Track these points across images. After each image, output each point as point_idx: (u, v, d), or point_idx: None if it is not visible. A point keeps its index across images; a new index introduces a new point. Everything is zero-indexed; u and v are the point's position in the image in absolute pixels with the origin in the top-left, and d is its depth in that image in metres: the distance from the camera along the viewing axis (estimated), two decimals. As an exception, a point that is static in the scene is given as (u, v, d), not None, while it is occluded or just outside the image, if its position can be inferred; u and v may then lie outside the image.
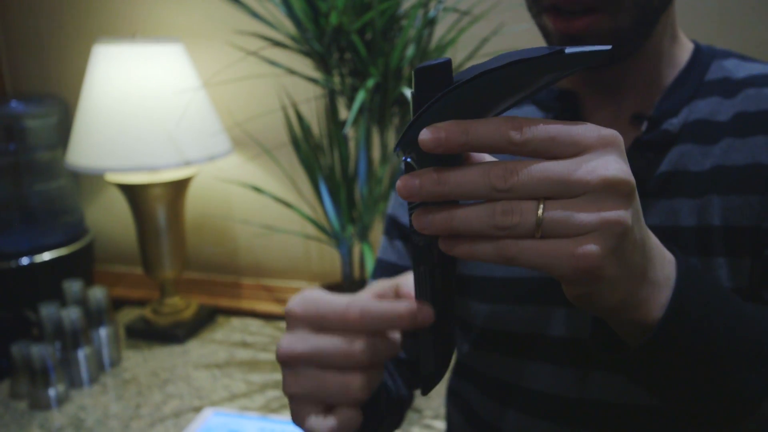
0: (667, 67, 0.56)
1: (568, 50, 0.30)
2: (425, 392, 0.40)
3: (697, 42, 0.58)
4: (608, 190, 0.31)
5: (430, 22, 1.04)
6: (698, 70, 0.56)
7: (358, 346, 0.37)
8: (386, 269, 0.69)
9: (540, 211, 0.30)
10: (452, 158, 0.33)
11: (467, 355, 0.64)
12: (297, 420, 0.41)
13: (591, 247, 0.30)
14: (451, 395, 0.70)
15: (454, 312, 0.39)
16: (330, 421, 0.39)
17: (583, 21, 0.49)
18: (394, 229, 0.70)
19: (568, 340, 0.56)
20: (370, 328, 0.38)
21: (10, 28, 1.61)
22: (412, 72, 0.32)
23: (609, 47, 0.31)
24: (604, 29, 0.49)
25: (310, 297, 0.40)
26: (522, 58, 0.30)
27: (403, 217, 0.70)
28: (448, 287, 0.38)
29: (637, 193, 0.33)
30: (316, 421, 0.39)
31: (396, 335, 0.40)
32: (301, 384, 0.39)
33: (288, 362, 0.40)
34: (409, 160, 0.33)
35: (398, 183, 0.32)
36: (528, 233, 0.31)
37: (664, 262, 0.37)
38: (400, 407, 0.69)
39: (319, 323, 0.39)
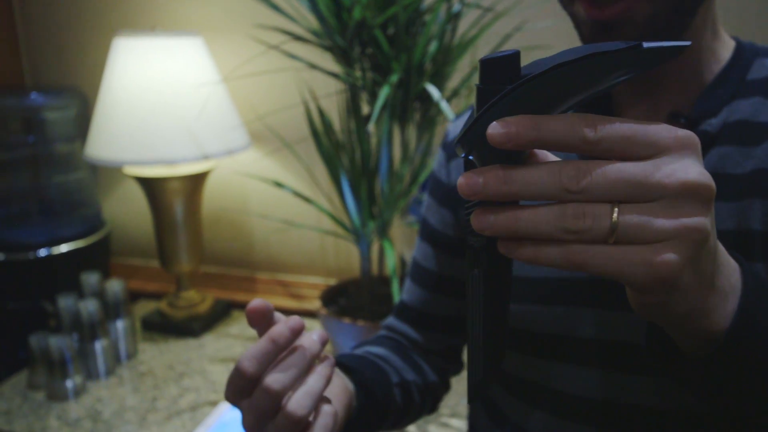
0: (707, 64, 0.54)
1: (646, 44, 0.28)
2: (471, 400, 0.39)
3: (739, 39, 0.57)
4: (688, 195, 0.29)
5: (454, 17, 1.03)
6: (740, 68, 0.54)
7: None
8: (417, 269, 0.73)
9: (615, 216, 0.29)
10: (516, 156, 0.31)
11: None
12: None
13: (670, 256, 0.29)
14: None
15: (508, 319, 0.38)
16: None
17: (617, 7, 0.47)
18: (424, 230, 0.70)
19: (595, 342, 0.55)
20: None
21: (30, 20, 1.61)
22: (479, 62, 0.30)
23: (688, 42, 0.29)
24: (640, 17, 0.48)
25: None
26: (597, 51, 0.28)
27: (432, 218, 0.70)
28: (503, 292, 0.36)
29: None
30: None
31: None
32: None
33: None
34: (471, 157, 0.32)
35: (460, 180, 0.30)
36: (601, 238, 0.29)
37: (731, 270, 0.35)
38: (432, 394, 0.71)
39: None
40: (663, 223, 0.29)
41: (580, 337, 0.56)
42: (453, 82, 1.14)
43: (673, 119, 0.54)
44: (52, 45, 1.61)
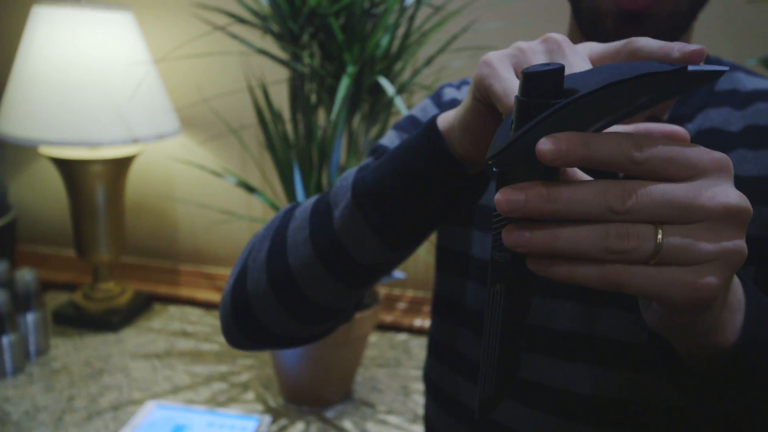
0: None
1: (691, 68, 0.29)
2: (480, 416, 0.38)
3: (707, 52, 0.60)
4: (728, 219, 0.29)
5: (411, 8, 1.02)
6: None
7: None
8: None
9: (659, 237, 0.28)
10: (552, 172, 0.30)
11: (461, 336, 0.63)
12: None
13: (711, 279, 0.29)
14: (430, 387, 0.68)
15: (524, 336, 0.37)
16: None
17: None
18: (412, 126, 0.64)
19: (570, 334, 0.56)
20: None
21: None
22: (522, 74, 0.29)
23: (727, 68, 0.30)
24: (665, 12, 0.49)
25: None
26: (649, 71, 0.28)
27: (390, 145, 0.63)
28: (523, 309, 0.35)
29: None
30: None
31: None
32: None
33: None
34: (505, 172, 0.30)
35: (498, 197, 0.29)
36: (643, 259, 0.29)
37: (737, 285, 0.37)
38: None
39: None
40: (705, 246, 0.29)
41: (554, 328, 0.57)
42: (402, 78, 1.13)
43: (652, 122, 0.55)
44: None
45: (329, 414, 1.09)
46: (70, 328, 1.32)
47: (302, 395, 1.10)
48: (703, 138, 0.55)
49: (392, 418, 1.09)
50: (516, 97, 0.30)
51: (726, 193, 0.29)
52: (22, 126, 1.17)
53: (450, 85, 0.67)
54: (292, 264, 0.51)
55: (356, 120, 1.07)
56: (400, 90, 1.08)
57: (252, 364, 1.23)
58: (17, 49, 1.44)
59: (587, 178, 0.32)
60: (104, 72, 1.18)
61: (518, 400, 0.58)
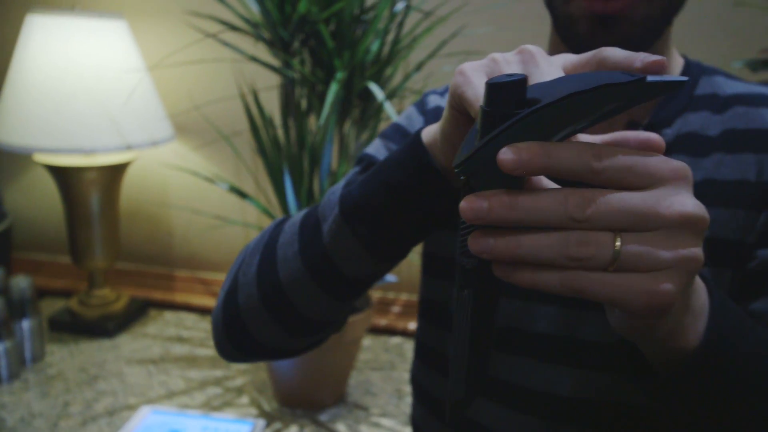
0: None
1: (650, 78, 0.29)
2: (450, 420, 0.39)
3: (687, 57, 0.61)
4: (685, 227, 0.30)
5: (400, 15, 1.03)
6: (689, 84, 0.58)
7: None
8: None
9: (618, 244, 0.29)
10: (516, 180, 0.31)
11: (446, 340, 0.63)
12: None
13: (668, 285, 0.30)
14: (417, 389, 0.69)
15: (492, 340, 0.38)
16: None
17: (622, 2, 0.49)
18: (397, 134, 0.64)
19: (550, 337, 0.57)
20: None
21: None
22: (485, 85, 0.30)
23: (686, 78, 0.30)
24: (638, 16, 0.50)
25: None
26: (609, 82, 0.29)
27: (377, 154, 0.64)
28: (490, 313, 0.36)
29: None
30: None
31: None
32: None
33: None
34: (470, 179, 0.31)
35: (463, 204, 0.30)
36: (602, 266, 0.29)
37: (701, 290, 0.37)
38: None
39: None
40: (663, 253, 0.30)
41: (535, 331, 0.57)
42: (392, 83, 1.14)
43: (632, 128, 0.56)
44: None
45: (323, 417, 1.10)
46: (66, 335, 1.33)
47: (296, 399, 1.11)
48: (681, 142, 0.56)
49: (386, 421, 1.09)
50: (480, 106, 0.31)
51: (683, 202, 0.30)
52: (16, 133, 1.18)
53: (435, 92, 0.68)
54: (283, 278, 0.52)
55: (347, 125, 1.08)
56: (391, 95, 1.09)
57: (246, 369, 1.24)
58: (12, 57, 1.45)
59: (553, 185, 0.33)
60: (98, 79, 1.19)
61: (501, 403, 0.59)
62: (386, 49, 1.04)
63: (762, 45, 1.15)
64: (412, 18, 1.21)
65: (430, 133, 0.46)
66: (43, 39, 1.18)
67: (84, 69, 1.18)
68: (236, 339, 0.56)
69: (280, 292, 0.52)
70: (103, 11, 1.38)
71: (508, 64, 0.38)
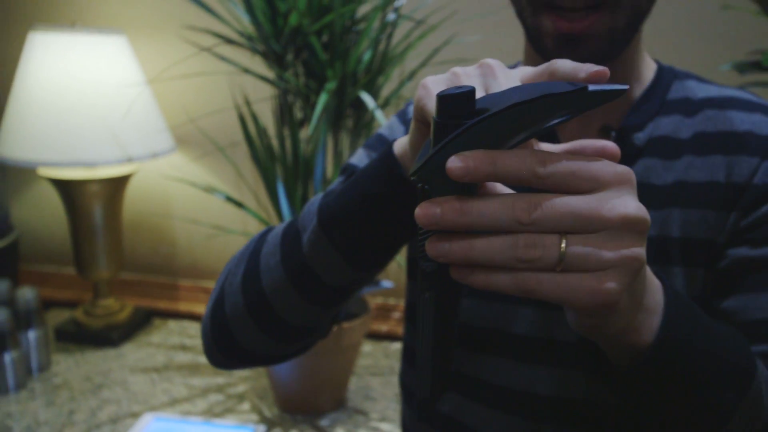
0: (635, 83, 0.59)
1: (591, 88, 0.31)
2: (420, 416, 0.40)
3: (659, 62, 0.62)
4: (627, 228, 0.32)
5: (390, 25, 1.05)
6: (662, 88, 0.59)
7: None
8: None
9: (563, 246, 0.31)
10: (470, 186, 0.32)
11: None
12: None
13: (611, 284, 0.31)
14: (406, 392, 0.70)
15: (455, 340, 0.39)
16: None
17: (586, 21, 0.51)
18: (380, 144, 0.66)
19: (530, 338, 0.58)
20: None
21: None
22: (436, 98, 0.32)
23: (626, 87, 0.32)
24: (603, 29, 0.51)
25: None
26: (550, 92, 0.30)
27: (360, 163, 0.66)
28: (452, 314, 0.38)
29: None
30: None
31: None
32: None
33: None
34: (426, 187, 0.33)
35: (417, 210, 0.31)
36: (549, 267, 0.31)
37: (655, 288, 0.39)
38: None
39: None
40: (606, 253, 0.31)
41: (515, 333, 0.59)
42: (384, 92, 1.16)
43: (605, 132, 0.58)
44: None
45: (323, 422, 1.11)
46: (71, 345, 1.35)
47: (296, 404, 1.12)
48: (653, 146, 0.57)
49: (385, 426, 1.11)
50: (432, 117, 0.32)
51: (625, 204, 0.32)
52: (21, 148, 1.20)
53: None
54: (266, 287, 0.54)
55: (342, 135, 1.10)
56: (384, 104, 1.11)
57: (248, 376, 1.26)
58: (15, 74, 1.49)
59: (507, 191, 0.35)
60: (99, 94, 1.22)
61: (484, 403, 0.61)
62: (378, 58, 1.06)
63: (749, 47, 1.16)
64: (404, 27, 1.24)
65: (401, 144, 0.48)
66: (46, 55, 1.21)
67: (85, 84, 1.21)
68: (224, 347, 0.57)
69: (263, 301, 0.54)
70: (103, 27, 1.41)
71: (468, 77, 0.40)
